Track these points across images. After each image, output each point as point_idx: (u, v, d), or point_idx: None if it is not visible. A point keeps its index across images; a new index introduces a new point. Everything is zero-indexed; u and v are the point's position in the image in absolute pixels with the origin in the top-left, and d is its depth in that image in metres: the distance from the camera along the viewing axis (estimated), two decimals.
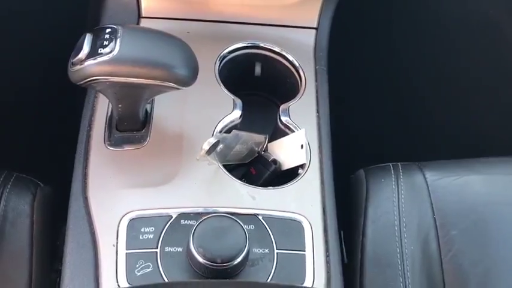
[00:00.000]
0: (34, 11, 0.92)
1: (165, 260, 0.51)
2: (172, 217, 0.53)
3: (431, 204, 0.66)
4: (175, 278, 0.50)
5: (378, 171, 0.69)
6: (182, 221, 0.53)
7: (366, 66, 1.01)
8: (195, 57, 0.55)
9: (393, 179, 0.68)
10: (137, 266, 0.50)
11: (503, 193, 0.69)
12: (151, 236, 0.52)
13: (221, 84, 0.65)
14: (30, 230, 0.62)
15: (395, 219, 0.65)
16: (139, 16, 0.69)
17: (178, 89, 0.55)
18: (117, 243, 0.52)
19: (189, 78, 0.54)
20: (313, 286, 0.52)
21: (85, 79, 0.52)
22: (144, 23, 0.69)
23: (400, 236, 0.64)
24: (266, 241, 0.53)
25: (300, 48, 0.70)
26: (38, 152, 0.96)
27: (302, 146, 0.61)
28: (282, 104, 0.66)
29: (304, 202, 0.57)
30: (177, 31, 0.66)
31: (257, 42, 0.69)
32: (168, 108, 0.62)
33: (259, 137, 0.63)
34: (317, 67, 0.69)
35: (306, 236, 0.54)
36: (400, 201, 0.66)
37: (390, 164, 0.70)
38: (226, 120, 0.62)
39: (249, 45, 0.69)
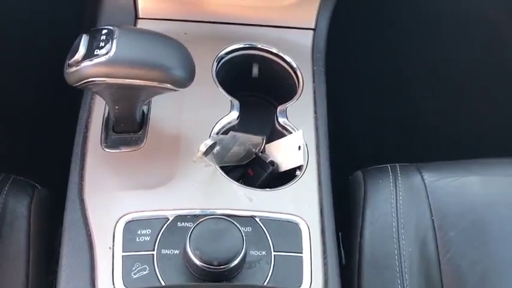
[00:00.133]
0: (32, 12, 0.91)
1: (162, 263, 0.51)
2: (169, 219, 0.53)
3: (430, 205, 0.66)
4: (172, 280, 0.50)
5: (376, 173, 0.69)
6: (179, 223, 0.53)
7: (364, 67, 1.01)
8: (192, 59, 0.55)
9: (391, 180, 0.67)
10: (134, 268, 0.50)
11: (501, 194, 0.69)
12: (147, 238, 0.52)
13: (218, 85, 0.65)
14: (27, 232, 0.62)
15: (393, 220, 0.64)
16: (137, 17, 0.69)
17: (175, 90, 0.54)
18: (113, 245, 0.52)
19: (186, 79, 0.54)
20: None
21: (81, 81, 0.52)
22: (141, 24, 0.69)
23: (398, 238, 0.63)
24: (263, 243, 0.53)
25: (297, 49, 0.70)
26: (35, 154, 0.96)
27: (299, 148, 0.61)
28: (279, 105, 0.66)
29: (302, 204, 0.57)
30: (174, 32, 0.66)
31: (254, 43, 0.69)
32: (165, 110, 0.62)
33: (257, 138, 0.63)
34: (315, 68, 0.69)
35: (303, 238, 0.54)
36: (398, 203, 0.66)
37: (388, 165, 0.70)
38: (223, 122, 0.62)
39: (246, 46, 0.69)
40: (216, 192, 0.56)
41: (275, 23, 0.71)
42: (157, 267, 0.50)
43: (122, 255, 0.51)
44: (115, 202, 0.55)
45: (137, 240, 0.52)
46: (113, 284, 0.50)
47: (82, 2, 0.82)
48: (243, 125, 0.64)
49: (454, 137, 1.01)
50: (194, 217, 0.53)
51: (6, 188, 0.63)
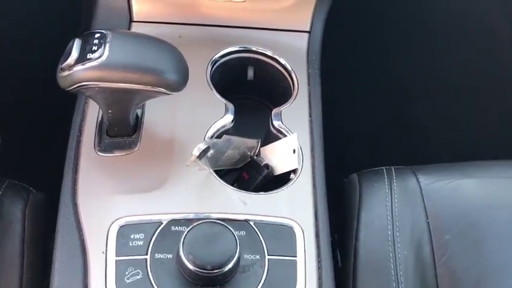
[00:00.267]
0: (28, 15, 0.91)
1: (155, 267, 0.50)
2: (162, 223, 0.53)
3: (425, 208, 0.66)
4: (165, 285, 0.50)
5: (371, 175, 0.69)
6: (172, 227, 0.53)
7: (359, 69, 1.01)
8: (185, 62, 0.55)
9: (386, 183, 0.67)
10: (127, 273, 0.50)
11: (496, 196, 0.69)
12: (141, 242, 0.51)
13: (213, 88, 0.65)
14: (22, 236, 0.62)
15: (388, 223, 0.64)
16: (131, 20, 0.69)
17: (169, 94, 0.54)
18: (106, 250, 0.51)
19: (179, 83, 0.54)
20: None
21: (74, 85, 0.52)
22: (135, 27, 0.69)
23: (393, 240, 0.63)
24: (257, 247, 0.53)
25: (292, 51, 0.70)
26: (30, 158, 0.96)
27: (294, 151, 0.60)
28: (274, 107, 0.65)
29: (296, 207, 0.57)
30: (169, 35, 0.66)
31: (249, 46, 0.69)
32: (159, 113, 0.61)
33: (252, 142, 0.63)
34: (310, 71, 0.69)
35: (297, 242, 0.54)
36: (394, 205, 0.66)
37: (383, 167, 0.70)
38: (217, 125, 0.61)
39: (241, 49, 0.69)
40: (210, 196, 0.56)
41: (270, 25, 0.71)
42: (151, 271, 0.50)
43: (115, 260, 0.51)
44: (108, 206, 0.54)
45: (130, 244, 0.51)
46: None
47: (79, 6, 0.82)
48: (238, 127, 0.64)
49: (450, 140, 1.01)
50: (188, 221, 0.53)
51: (0, 192, 0.63)
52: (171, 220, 0.53)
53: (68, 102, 0.64)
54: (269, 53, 0.69)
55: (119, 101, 0.55)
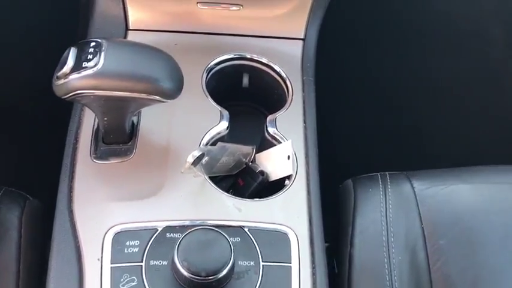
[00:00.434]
0: (26, 24, 0.92)
1: (150, 274, 0.50)
2: (157, 230, 0.53)
3: (419, 213, 0.66)
4: None
5: (366, 181, 0.69)
6: (168, 234, 0.53)
7: (354, 75, 1.01)
8: (180, 70, 0.56)
9: (381, 189, 0.68)
10: (122, 280, 0.50)
11: (491, 201, 0.69)
12: (136, 249, 0.52)
13: (208, 95, 0.65)
14: (18, 244, 0.62)
15: (383, 229, 0.65)
16: (127, 29, 0.69)
17: (164, 102, 0.55)
18: (102, 257, 0.52)
19: (174, 91, 0.55)
20: None
21: (69, 93, 0.52)
22: (131, 35, 0.69)
23: (388, 246, 0.64)
24: (252, 253, 0.53)
25: (287, 59, 0.70)
26: (27, 165, 0.96)
27: (289, 157, 0.61)
28: (270, 114, 0.66)
29: (291, 213, 0.57)
30: (165, 43, 0.67)
31: (244, 54, 0.70)
32: (154, 121, 0.62)
33: (247, 148, 0.63)
34: (304, 78, 0.69)
35: (292, 248, 0.54)
36: (388, 211, 0.66)
37: (378, 173, 0.70)
38: (212, 132, 0.62)
39: (236, 56, 0.70)
40: (205, 203, 0.56)
41: (265, 33, 0.71)
42: (146, 278, 0.50)
43: (111, 267, 0.51)
44: (104, 213, 0.55)
45: (126, 251, 0.52)
46: None
47: (75, 14, 0.83)
48: (233, 134, 0.64)
49: (444, 145, 1.01)
50: (183, 228, 0.53)
51: None
52: (166, 227, 0.53)
53: (64, 110, 0.65)
54: (264, 61, 0.70)
55: (114, 109, 0.55)
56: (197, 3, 0.69)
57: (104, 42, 0.52)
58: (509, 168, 0.74)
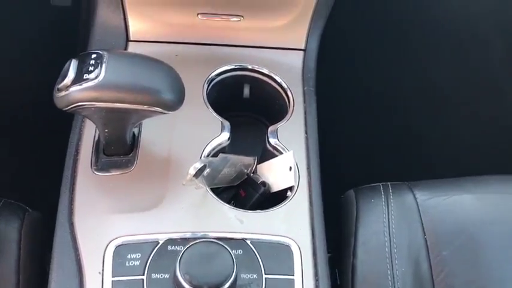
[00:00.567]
0: (25, 36, 0.92)
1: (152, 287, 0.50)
2: (159, 243, 0.53)
3: (422, 224, 0.66)
4: None
5: (368, 192, 0.69)
6: (169, 247, 0.52)
7: (355, 85, 1.02)
8: (181, 81, 0.56)
9: (383, 199, 0.67)
10: None
11: (493, 212, 0.69)
12: (137, 262, 0.51)
13: (209, 106, 0.65)
14: (17, 256, 0.61)
15: (385, 240, 0.64)
16: (128, 40, 0.69)
17: (165, 113, 0.55)
18: (103, 270, 0.51)
19: (175, 102, 0.54)
20: None
21: (70, 105, 0.52)
22: (132, 47, 0.69)
23: (391, 257, 0.63)
24: (254, 266, 0.52)
25: (288, 69, 0.70)
26: (27, 176, 0.95)
27: (290, 168, 0.61)
28: (271, 124, 0.66)
29: (293, 225, 0.56)
30: (166, 54, 0.67)
31: (245, 64, 0.70)
32: (156, 132, 0.62)
33: (248, 159, 0.63)
34: (305, 88, 0.69)
35: (294, 260, 0.54)
36: (391, 222, 0.66)
37: (380, 184, 0.70)
38: (214, 143, 0.62)
39: (237, 67, 0.70)
40: (207, 215, 0.56)
41: (266, 44, 0.71)
42: None
43: (112, 280, 0.50)
44: (105, 226, 0.54)
45: (127, 264, 0.51)
46: None
47: (76, 26, 0.83)
48: (234, 145, 0.64)
49: (446, 155, 1.01)
50: (184, 240, 0.53)
51: None
52: (168, 239, 0.53)
53: (64, 122, 0.65)
54: (265, 71, 0.70)
55: (115, 121, 0.55)
56: (198, 14, 0.69)
57: (105, 54, 0.52)
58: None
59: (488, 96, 1.02)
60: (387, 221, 0.66)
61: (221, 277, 0.48)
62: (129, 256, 0.52)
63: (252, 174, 0.63)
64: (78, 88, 0.51)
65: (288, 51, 0.72)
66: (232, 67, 0.69)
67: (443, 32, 0.98)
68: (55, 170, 0.63)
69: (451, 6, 0.96)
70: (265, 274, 0.52)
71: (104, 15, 0.69)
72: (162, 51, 0.68)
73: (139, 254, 0.52)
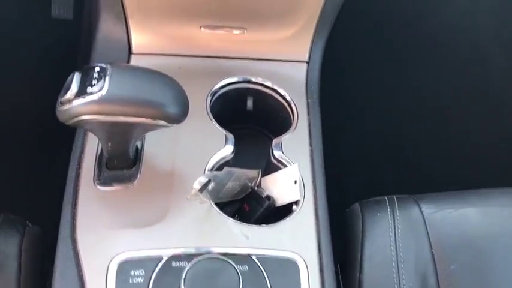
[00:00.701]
0: (26, 49, 0.92)
1: None
2: (163, 259, 0.52)
3: (429, 238, 0.65)
4: None
5: (373, 205, 0.68)
6: (173, 263, 0.51)
7: (359, 97, 1.01)
8: (185, 94, 0.55)
9: (389, 213, 0.67)
10: None
11: (501, 225, 0.68)
12: (141, 279, 0.50)
13: (213, 119, 0.65)
14: (18, 272, 0.60)
15: (392, 254, 0.63)
16: (130, 53, 0.69)
17: (169, 126, 0.54)
18: (106, 287, 0.50)
19: (179, 115, 0.54)
20: None
21: (73, 118, 0.51)
22: (135, 60, 0.69)
23: (398, 272, 0.62)
24: (260, 282, 0.52)
25: (291, 82, 0.70)
26: (27, 191, 0.95)
27: (295, 182, 0.60)
28: (275, 137, 0.65)
29: (299, 240, 0.56)
30: (168, 67, 0.66)
31: (248, 77, 0.69)
32: (159, 145, 0.61)
33: (252, 173, 0.62)
34: (309, 100, 0.69)
35: (301, 276, 0.53)
36: (397, 236, 0.65)
37: (385, 197, 0.69)
38: (218, 156, 0.61)
39: (240, 80, 0.69)
40: (212, 230, 0.55)
41: (269, 56, 0.71)
42: None
43: None
44: (108, 241, 0.53)
45: (130, 281, 0.50)
46: None
47: (77, 39, 0.83)
48: (238, 157, 0.63)
49: (452, 168, 1.00)
50: (189, 256, 0.52)
51: None
52: (172, 256, 0.52)
53: (66, 135, 0.64)
54: (268, 84, 0.69)
55: (118, 134, 0.54)
56: (201, 27, 0.69)
57: (109, 67, 0.52)
58: None
59: (494, 111, 1.02)
60: (394, 235, 0.65)
61: None
62: (132, 273, 0.51)
63: (256, 188, 0.62)
64: (81, 101, 0.50)
65: (292, 63, 0.72)
66: (236, 80, 0.69)
67: (445, 50, 0.98)
68: (55, 184, 0.62)
69: (454, 16, 0.97)
70: None
71: (107, 29, 0.69)
72: (165, 64, 0.68)
73: (143, 270, 0.51)
